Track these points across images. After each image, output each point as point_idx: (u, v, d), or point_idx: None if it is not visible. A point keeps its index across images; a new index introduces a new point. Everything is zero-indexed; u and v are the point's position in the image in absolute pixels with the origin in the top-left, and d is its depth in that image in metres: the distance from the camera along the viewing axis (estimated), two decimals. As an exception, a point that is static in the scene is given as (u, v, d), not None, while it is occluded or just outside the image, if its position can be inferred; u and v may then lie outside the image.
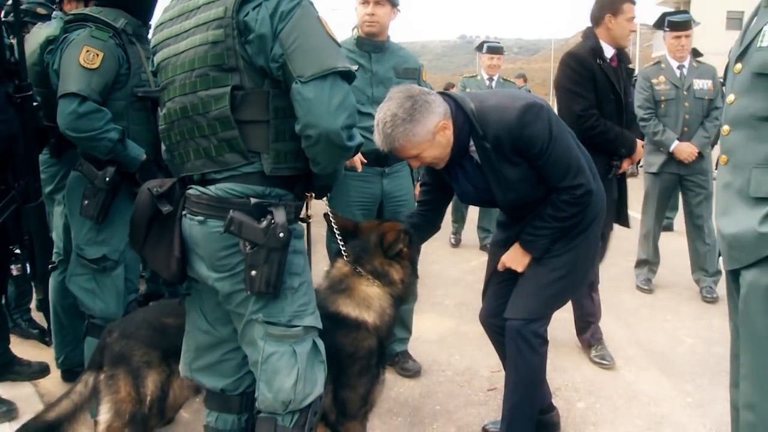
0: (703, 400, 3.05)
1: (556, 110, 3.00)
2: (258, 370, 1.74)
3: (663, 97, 4.52)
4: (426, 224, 2.49)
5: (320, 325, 1.80)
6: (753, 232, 1.63)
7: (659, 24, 4.62)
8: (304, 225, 1.89)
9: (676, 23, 4.47)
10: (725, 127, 1.77)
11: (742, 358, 1.74)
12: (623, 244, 6.03)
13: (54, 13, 3.03)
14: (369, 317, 2.08)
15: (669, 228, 6.66)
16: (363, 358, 2.08)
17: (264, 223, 1.62)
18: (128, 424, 1.97)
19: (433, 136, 2.09)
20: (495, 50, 6.10)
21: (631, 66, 3.62)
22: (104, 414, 2.00)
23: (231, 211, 1.63)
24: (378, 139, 2.10)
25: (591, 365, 3.44)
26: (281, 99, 1.65)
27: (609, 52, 3.36)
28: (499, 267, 2.45)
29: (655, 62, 4.75)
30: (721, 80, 4.15)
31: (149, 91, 2.54)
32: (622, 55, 3.46)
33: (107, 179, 2.45)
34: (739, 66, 1.73)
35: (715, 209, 1.84)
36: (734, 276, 1.77)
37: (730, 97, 1.75)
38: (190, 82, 1.70)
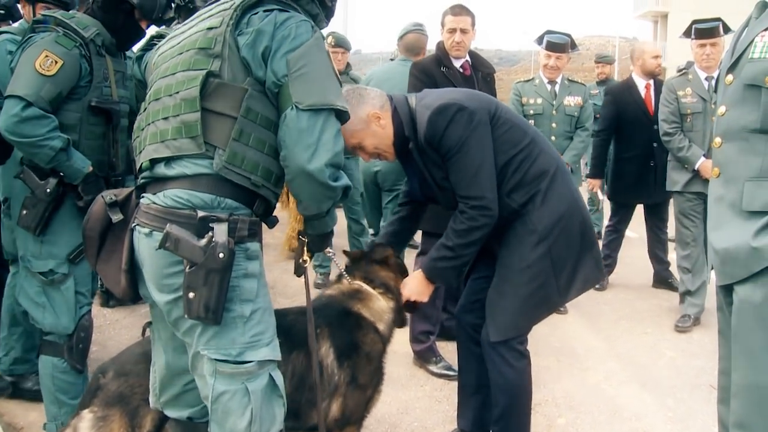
0: (684, 414, 3.02)
1: None
2: (209, 408, 1.61)
3: (689, 111, 4.15)
4: (409, 221, 2.57)
5: (278, 357, 1.66)
6: (746, 246, 1.58)
7: (688, 33, 4.29)
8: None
9: (700, 30, 4.12)
10: (717, 140, 1.73)
11: (733, 375, 1.68)
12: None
13: None
14: (380, 326, 2.24)
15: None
16: (376, 359, 2.19)
17: (204, 241, 1.49)
18: None
19: (366, 125, 2.19)
20: (555, 47, 4.49)
21: (487, 71, 3.66)
22: None
23: (168, 224, 1.51)
24: None
25: (571, 379, 3.38)
26: (257, 101, 1.57)
27: (458, 61, 3.48)
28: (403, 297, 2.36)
29: (682, 73, 4.42)
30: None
31: (103, 102, 2.44)
32: (476, 62, 3.56)
33: (48, 190, 2.34)
34: (730, 77, 1.69)
35: (708, 223, 1.79)
36: (726, 291, 1.72)
37: (722, 109, 1.72)
38: (173, 64, 1.64)
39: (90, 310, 2.57)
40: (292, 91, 1.53)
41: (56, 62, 2.27)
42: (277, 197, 1.72)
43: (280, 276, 5.24)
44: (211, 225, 1.52)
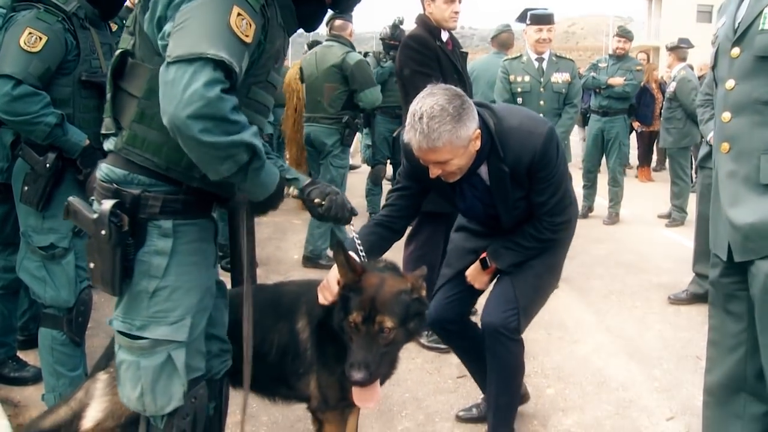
0: (669, 384, 3.08)
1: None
2: (117, 373, 1.68)
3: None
4: (390, 232, 2.27)
5: (180, 338, 1.61)
6: None
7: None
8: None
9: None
10: (725, 114, 1.70)
11: (764, 352, 1.65)
12: (593, 232, 6.08)
13: None
14: None
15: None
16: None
17: (96, 215, 1.51)
18: (121, 426, 1.86)
19: (468, 143, 1.93)
20: (542, 19, 4.56)
21: (464, 50, 3.63)
22: (95, 412, 1.87)
23: (70, 197, 1.59)
24: (414, 134, 1.88)
25: (561, 351, 3.44)
26: (158, 81, 1.43)
27: (444, 35, 3.40)
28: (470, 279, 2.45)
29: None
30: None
31: (93, 76, 2.45)
32: (454, 39, 3.52)
33: (47, 165, 2.37)
34: (737, 50, 1.66)
35: (722, 200, 1.74)
36: (740, 267, 1.69)
37: (730, 83, 1.68)
38: None
39: (90, 285, 2.60)
40: (169, 47, 1.39)
41: (40, 38, 2.28)
42: (204, 182, 1.55)
43: (273, 253, 5.29)
44: (101, 201, 1.54)
